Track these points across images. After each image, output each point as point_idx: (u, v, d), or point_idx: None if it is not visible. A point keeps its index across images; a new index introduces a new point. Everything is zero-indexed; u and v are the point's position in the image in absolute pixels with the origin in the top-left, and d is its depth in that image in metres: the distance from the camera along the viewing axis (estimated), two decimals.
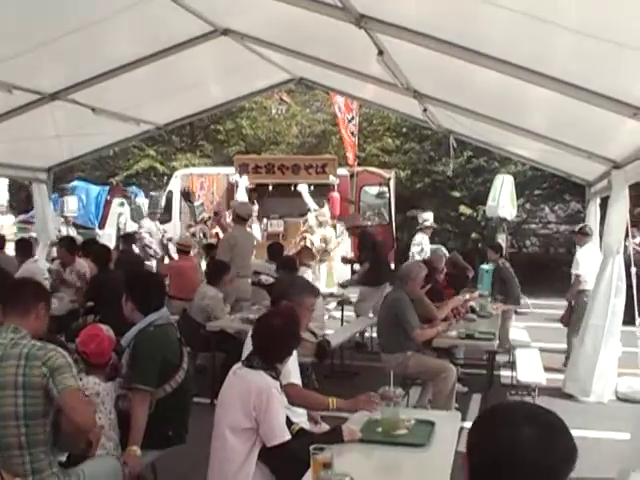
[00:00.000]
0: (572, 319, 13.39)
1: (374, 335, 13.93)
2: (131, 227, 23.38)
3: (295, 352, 6.25)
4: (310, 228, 20.48)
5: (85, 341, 6.19)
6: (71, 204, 23.46)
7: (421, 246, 18.50)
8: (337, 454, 4.71)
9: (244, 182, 22.44)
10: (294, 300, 6.73)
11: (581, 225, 14.57)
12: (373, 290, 14.66)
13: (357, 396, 6.10)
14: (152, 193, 22.65)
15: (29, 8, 8.27)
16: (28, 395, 4.63)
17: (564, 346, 13.50)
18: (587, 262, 13.19)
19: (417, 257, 18.10)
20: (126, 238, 17.46)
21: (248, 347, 6.36)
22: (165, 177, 34.25)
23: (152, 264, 18.83)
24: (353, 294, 15.69)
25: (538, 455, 2.30)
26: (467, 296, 12.38)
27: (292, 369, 6.40)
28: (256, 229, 20.92)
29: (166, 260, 18.84)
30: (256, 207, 21.64)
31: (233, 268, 12.56)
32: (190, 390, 6.44)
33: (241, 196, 21.66)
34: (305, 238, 20.11)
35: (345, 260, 17.90)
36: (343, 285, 16.07)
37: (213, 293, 11.63)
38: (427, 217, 19.54)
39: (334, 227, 21.28)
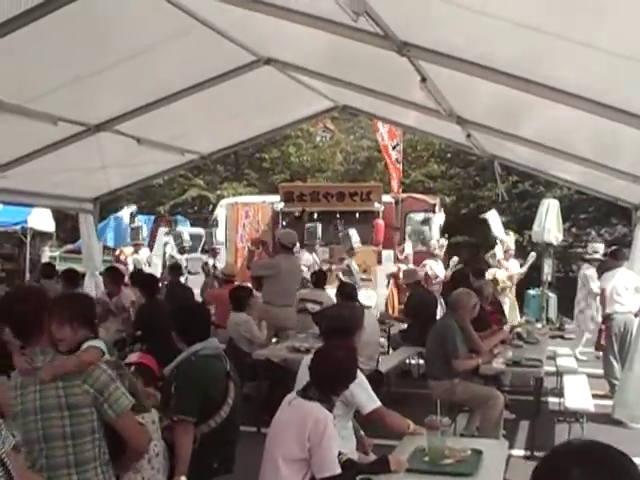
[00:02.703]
0: (605, 343, 13.36)
1: (420, 362, 13.89)
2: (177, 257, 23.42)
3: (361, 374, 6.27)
4: (499, 262, 19.69)
5: (139, 357, 6.23)
6: (185, 235, 23.49)
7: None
8: None
9: None
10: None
11: (613, 248, 14.47)
12: None
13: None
14: (308, 225, 22.47)
15: (73, 41, 8.38)
16: (74, 414, 4.63)
17: None
18: (614, 281, 13.14)
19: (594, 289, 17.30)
20: (173, 269, 17.49)
21: (301, 378, 6.34)
22: (211, 206, 34.43)
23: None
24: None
25: None
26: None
27: (369, 392, 6.44)
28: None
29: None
30: (443, 241, 21.48)
31: (276, 296, 12.64)
32: (236, 423, 6.41)
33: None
34: (495, 273, 19.17)
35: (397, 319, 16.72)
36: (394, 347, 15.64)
37: (243, 318, 11.61)
38: (598, 248, 18.62)
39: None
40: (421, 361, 13.79)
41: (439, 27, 7.23)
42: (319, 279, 14.06)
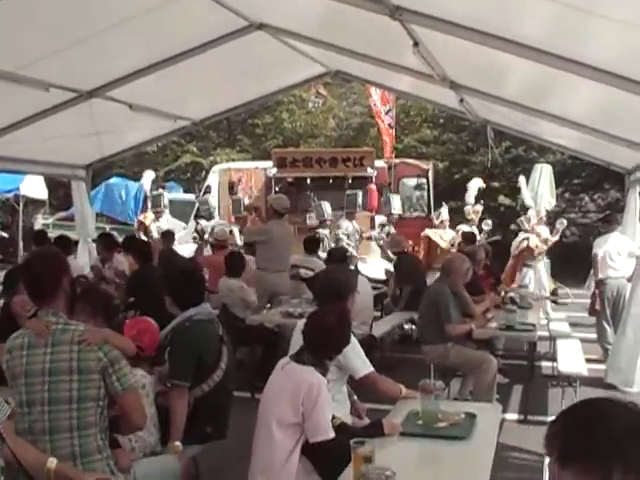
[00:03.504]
0: (599, 308, 13.40)
1: (414, 327, 13.93)
2: (172, 224, 23.38)
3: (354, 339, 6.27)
4: (532, 228, 19.19)
5: (138, 335, 6.21)
6: (212, 202, 23.44)
7: None
8: (378, 447, 4.70)
9: None
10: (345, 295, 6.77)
11: (607, 213, 14.46)
12: None
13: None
14: (348, 192, 21.74)
15: (64, 6, 8.31)
16: (83, 379, 4.68)
17: None
18: (606, 247, 13.16)
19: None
20: (165, 236, 17.45)
21: (295, 343, 6.35)
22: (203, 172, 34.37)
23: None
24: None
25: None
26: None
27: (362, 356, 6.47)
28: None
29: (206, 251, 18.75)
30: (478, 207, 21.06)
31: (269, 262, 12.66)
32: (229, 388, 6.45)
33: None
34: (528, 239, 18.91)
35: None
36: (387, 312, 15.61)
37: (237, 284, 11.65)
38: None
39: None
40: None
41: None
42: (311, 245, 14.06)
